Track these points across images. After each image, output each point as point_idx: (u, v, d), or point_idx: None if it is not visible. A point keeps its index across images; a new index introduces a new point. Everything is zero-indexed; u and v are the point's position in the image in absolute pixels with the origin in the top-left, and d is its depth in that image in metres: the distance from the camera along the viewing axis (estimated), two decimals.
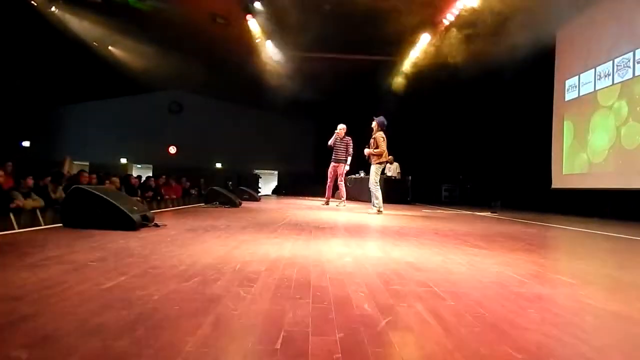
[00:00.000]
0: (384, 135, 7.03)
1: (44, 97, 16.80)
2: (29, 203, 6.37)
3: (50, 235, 2.98)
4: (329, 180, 9.08)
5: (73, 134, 19.66)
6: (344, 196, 9.04)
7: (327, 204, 8.94)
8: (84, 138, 19.63)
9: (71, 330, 1.15)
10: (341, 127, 8.93)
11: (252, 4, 11.86)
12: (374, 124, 7.16)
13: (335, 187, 9.35)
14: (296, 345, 1.10)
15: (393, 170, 12.59)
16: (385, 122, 7.16)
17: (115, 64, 15.16)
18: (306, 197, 14.56)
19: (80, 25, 12.79)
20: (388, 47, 13.72)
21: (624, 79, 8.48)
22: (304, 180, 18.99)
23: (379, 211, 6.84)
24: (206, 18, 12.14)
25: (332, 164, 8.98)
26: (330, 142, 8.95)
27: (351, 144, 8.89)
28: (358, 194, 12.11)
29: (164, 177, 11.98)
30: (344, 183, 9.11)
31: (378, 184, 7.05)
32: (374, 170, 7.09)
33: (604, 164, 9.03)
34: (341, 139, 8.88)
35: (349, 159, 8.92)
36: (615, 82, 8.77)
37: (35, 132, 18.94)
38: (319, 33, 11.34)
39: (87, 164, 19.20)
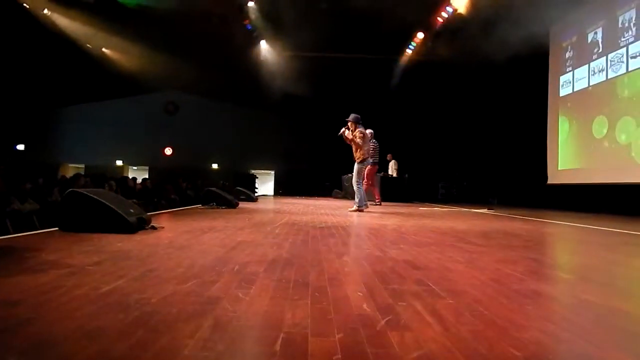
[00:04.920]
0: (362, 130, 7.11)
1: (38, 99, 16.71)
2: (26, 207, 6.33)
3: (46, 239, 2.97)
4: (368, 182, 9.38)
5: (68, 136, 19.56)
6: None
7: (380, 204, 9.43)
8: (79, 140, 19.54)
9: (69, 335, 1.14)
10: (368, 132, 9.17)
11: (247, 4, 11.84)
12: (349, 124, 7.15)
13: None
14: (295, 347, 1.10)
15: (391, 167, 12.63)
16: (359, 116, 7.18)
17: (109, 65, 15.10)
18: (304, 197, 14.57)
19: (73, 27, 12.74)
20: (384, 46, 13.73)
21: (618, 74, 8.53)
22: (301, 180, 18.99)
23: (358, 209, 6.93)
24: (201, 18, 12.11)
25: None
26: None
27: (377, 147, 9.72)
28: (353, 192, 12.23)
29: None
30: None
31: (360, 182, 7.15)
32: (356, 169, 7.20)
33: (598, 159, 9.08)
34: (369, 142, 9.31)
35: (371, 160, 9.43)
36: (609, 77, 8.82)
37: (30, 135, 18.84)
38: (315, 32, 11.34)
39: (83, 166, 19.12)
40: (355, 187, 7.12)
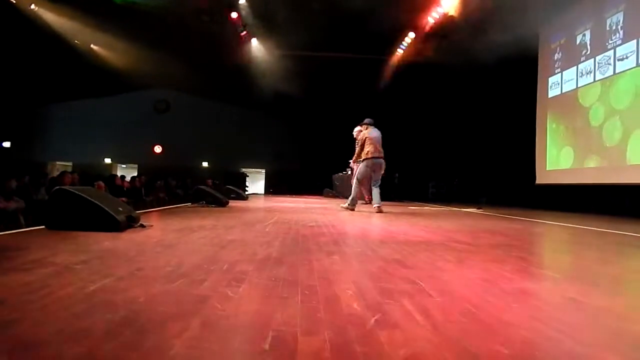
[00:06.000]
0: (364, 132, 7.23)
1: (25, 96, 16.45)
2: (11, 205, 6.23)
3: (32, 238, 2.92)
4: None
5: (56, 134, 19.29)
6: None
7: (368, 203, 9.26)
8: (67, 138, 19.27)
9: (55, 335, 1.12)
10: (356, 130, 9.16)
11: (237, 1, 11.78)
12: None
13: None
14: (285, 346, 1.10)
15: None
16: (370, 119, 7.35)
17: (98, 62, 14.92)
18: (294, 196, 14.55)
19: (61, 23, 12.56)
20: (375, 46, 13.76)
21: (605, 76, 8.64)
22: (292, 179, 18.97)
23: (347, 208, 7.01)
24: (191, 15, 12.01)
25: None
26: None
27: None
28: (345, 191, 12.23)
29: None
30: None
31: (357, 181, 7.24)
32: (358, 168, 7.34)
33: (586, 159, 9.19)
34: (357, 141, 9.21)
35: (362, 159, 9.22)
36: (596, 79, 8.93)
37: (16, 133, 18.55)
38: (305, 31, 11.32)
39: (70, 164, 18.88)
40: (354, 185, 7.21)
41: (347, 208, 6.99)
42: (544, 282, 2.10)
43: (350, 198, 7.11)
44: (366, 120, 7.36)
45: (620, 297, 1.88)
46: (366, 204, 9.28)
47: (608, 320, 1.46)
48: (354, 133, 9.20)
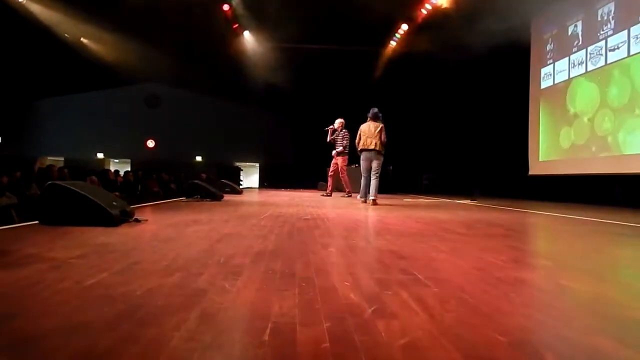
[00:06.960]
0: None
1: (15, 91, 16.22)
2: (3, 201, 6.18)
3: (26, 233, 2.90)
4: (331, 171, 9.38)
5: (47, 129, 19.09)
6: (349, 188, 9.28)
7: (329, 195, 9.32)
8: (59, 133, 19.10)
9: (53, 330, 1.12)
10: (338, 122, 9.18)
11: None
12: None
13: (339, 180, 9.60)
14: (284, 336, 1.10)
15: None
16: (371, 111, 7.35)
17: (88, 56, 14.73)
18: (288, 189, 14.55)
19: (49, 15, 12.36)
20: (366, 38, 13.71)
21: (597, 66, 8.69)
22: (286, 172, 18.94)
23: (365, 202, 7.09)
24: (182, 8, 11.88)
25: (334, 156, 9.37)
26: (328, 139, 9.31)
27: (347, 137, 9.13)
28: (338, 184, 12.23)
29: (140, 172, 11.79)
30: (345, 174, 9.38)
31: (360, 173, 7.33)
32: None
33: (578, 150, 9.27)
34: (339, 132, 9.14)
35: (340, 148, 9.21)
36: (588, 69, 8.98)
37: (7, 128, 18.32)
38: (298, 23, 11.24)
39: (62, 159, 18.71)
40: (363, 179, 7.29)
41: (363, 201, 7.08)
42: (538, 270, 2.12)
43: (361, 192, 7.17)
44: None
45: (613, 284, 1.91)
46: (327, 195, 9.33)
47: (602, 306, 1.48)
48: (335, 124, 9.22)
